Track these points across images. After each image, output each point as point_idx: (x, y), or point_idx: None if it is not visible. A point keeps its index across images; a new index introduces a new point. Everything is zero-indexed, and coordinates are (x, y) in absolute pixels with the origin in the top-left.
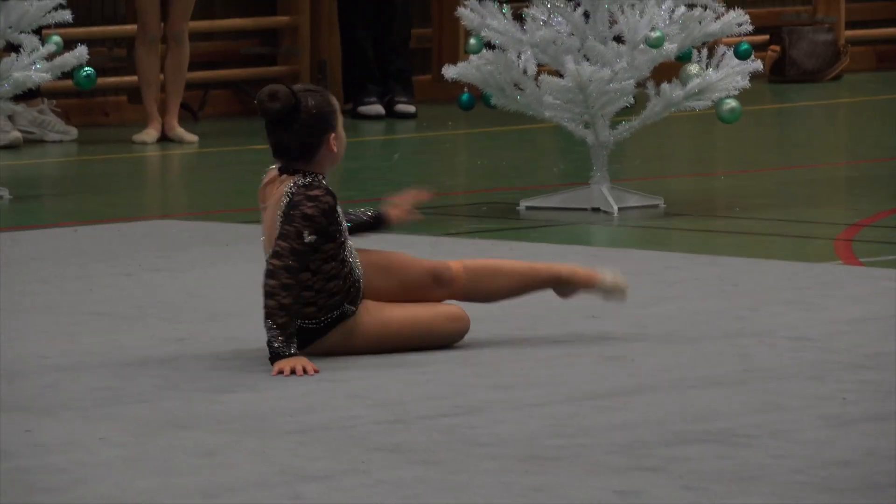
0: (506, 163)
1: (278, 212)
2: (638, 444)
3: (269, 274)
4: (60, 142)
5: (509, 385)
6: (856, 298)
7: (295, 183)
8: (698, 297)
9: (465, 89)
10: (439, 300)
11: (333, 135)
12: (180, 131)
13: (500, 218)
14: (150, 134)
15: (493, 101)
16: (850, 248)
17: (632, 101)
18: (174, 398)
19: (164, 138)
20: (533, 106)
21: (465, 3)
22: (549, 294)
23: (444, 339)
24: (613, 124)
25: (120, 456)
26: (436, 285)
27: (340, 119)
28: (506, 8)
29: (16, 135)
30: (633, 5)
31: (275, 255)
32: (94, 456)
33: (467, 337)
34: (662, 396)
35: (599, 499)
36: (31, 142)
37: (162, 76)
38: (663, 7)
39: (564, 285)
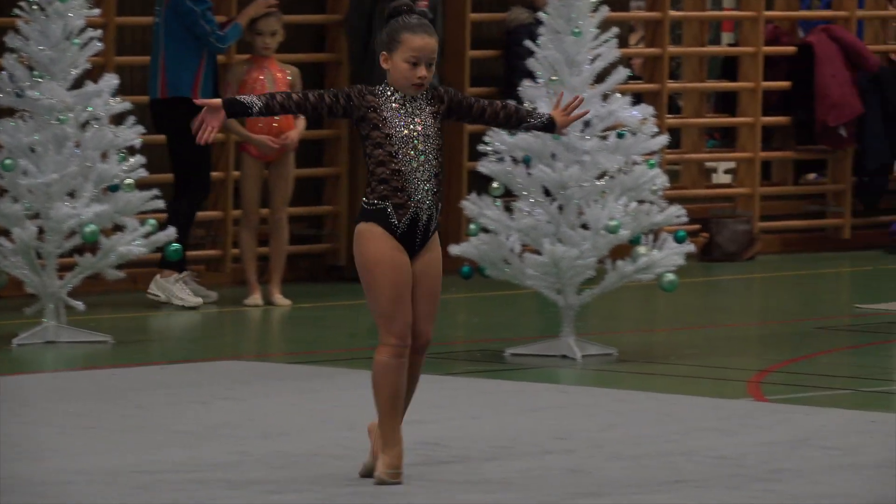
0: (495, 319)
1: None
2: None
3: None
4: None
5: None
6: (762, 426)
7: None
8: (641, 423)
9: (466, 263)
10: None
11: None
12: (279, 297)
13: (490, 362)
14: (256, 299)
15: (487, 272)
16: (759, 388)
17: (594, 273)
18: None
19: (269, 303)
20: (518, 276)
21: (468, 197)
22: None
23: None
24: (579, 291)
25: None
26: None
27: (404, 48)
28: (498, 202)
29: (198, 300)
30: (596, 200)
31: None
32: None
33: None
34: (619, 499)
35: None
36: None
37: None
38: (619, 202)
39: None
